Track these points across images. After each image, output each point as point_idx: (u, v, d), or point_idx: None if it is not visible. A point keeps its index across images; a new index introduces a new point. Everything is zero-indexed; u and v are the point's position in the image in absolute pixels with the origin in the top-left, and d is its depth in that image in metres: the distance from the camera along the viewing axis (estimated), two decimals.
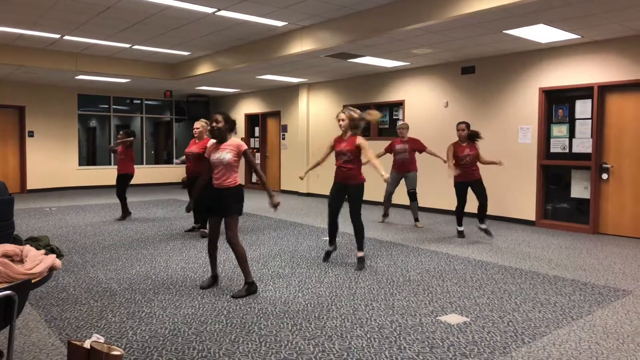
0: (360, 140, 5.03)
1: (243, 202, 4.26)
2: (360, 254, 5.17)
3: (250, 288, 4.21)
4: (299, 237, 6.76)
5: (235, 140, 4.26)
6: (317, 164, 5.57)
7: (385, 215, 8.11)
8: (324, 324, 3.53)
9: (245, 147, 4.23)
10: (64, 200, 10.98)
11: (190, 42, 8.54)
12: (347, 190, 5.12)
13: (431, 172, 8.95)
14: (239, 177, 4.28)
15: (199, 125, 6.69)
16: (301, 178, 5.62)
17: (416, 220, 7.77)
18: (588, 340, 3.28)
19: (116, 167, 8.25)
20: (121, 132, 8.39)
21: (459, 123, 6.57)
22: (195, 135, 6.75)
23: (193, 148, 6.71)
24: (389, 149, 7.85)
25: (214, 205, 4.24)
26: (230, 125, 4.27)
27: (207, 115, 14.39)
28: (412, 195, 7.70)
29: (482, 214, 6.50)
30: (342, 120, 5.10)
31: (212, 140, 4.32)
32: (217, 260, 4.51)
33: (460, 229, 6.77)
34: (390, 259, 5.51)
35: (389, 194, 7.91)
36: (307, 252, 5.83)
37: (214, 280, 4.46)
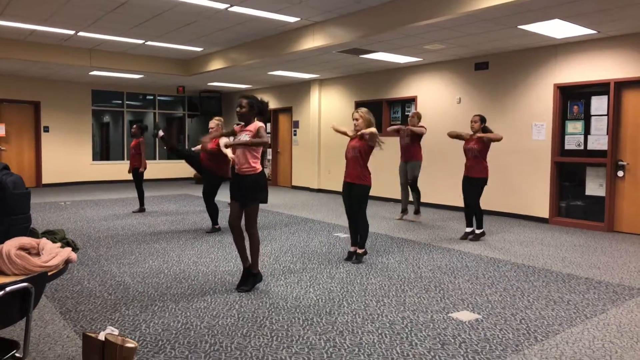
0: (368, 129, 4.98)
1: (265, 191, 4.18)
2: (360, 250, 5.18)
3: (255, 279, 4.22)
4: (310, 233, 6.77)
5: (257, 122, 4.21)
6: (344, 132, 5.40)
7: (404, 211, 7.92)
8: (335, 319, 3.53)
9: (259, 124, 4.13)
10: (78, 194, 11.11)
11: (203, 38, 8.58)
12: (351, 189, 5.11)
13: (439, 167, 8.90)
14: (259, 164, 4.20)
15: (213, 124, 6.72)
16: (335, 129, 5.50)
17: (415, 212, 7.68)
18: (602, 339, 3.25)
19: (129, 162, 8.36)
20: (134, 125, 8.49)
21: (474, 115, 6.39)
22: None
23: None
24: (397, 130, 7.78)
25: (235, 190, 4.20)
26: (256, 110, 4.21)
27: (219, 111, 14.46)
28: (412, 186, 7.63)
29: (476, 218, 6.27)
30: (357, 120, 5.04)
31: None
32: (245, 251, 4.27)
33: (469, 230, 6.41)
34: (401, 256, 5.50)
35: (402, 186, 7.82)
36: (319, 248, 5.84)
37: (246, 274, 4.22)
